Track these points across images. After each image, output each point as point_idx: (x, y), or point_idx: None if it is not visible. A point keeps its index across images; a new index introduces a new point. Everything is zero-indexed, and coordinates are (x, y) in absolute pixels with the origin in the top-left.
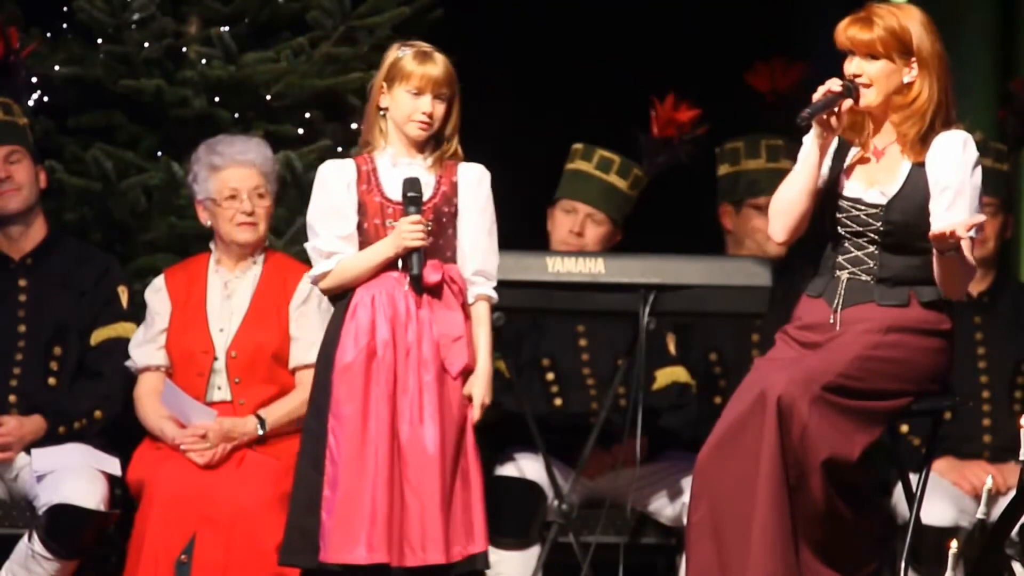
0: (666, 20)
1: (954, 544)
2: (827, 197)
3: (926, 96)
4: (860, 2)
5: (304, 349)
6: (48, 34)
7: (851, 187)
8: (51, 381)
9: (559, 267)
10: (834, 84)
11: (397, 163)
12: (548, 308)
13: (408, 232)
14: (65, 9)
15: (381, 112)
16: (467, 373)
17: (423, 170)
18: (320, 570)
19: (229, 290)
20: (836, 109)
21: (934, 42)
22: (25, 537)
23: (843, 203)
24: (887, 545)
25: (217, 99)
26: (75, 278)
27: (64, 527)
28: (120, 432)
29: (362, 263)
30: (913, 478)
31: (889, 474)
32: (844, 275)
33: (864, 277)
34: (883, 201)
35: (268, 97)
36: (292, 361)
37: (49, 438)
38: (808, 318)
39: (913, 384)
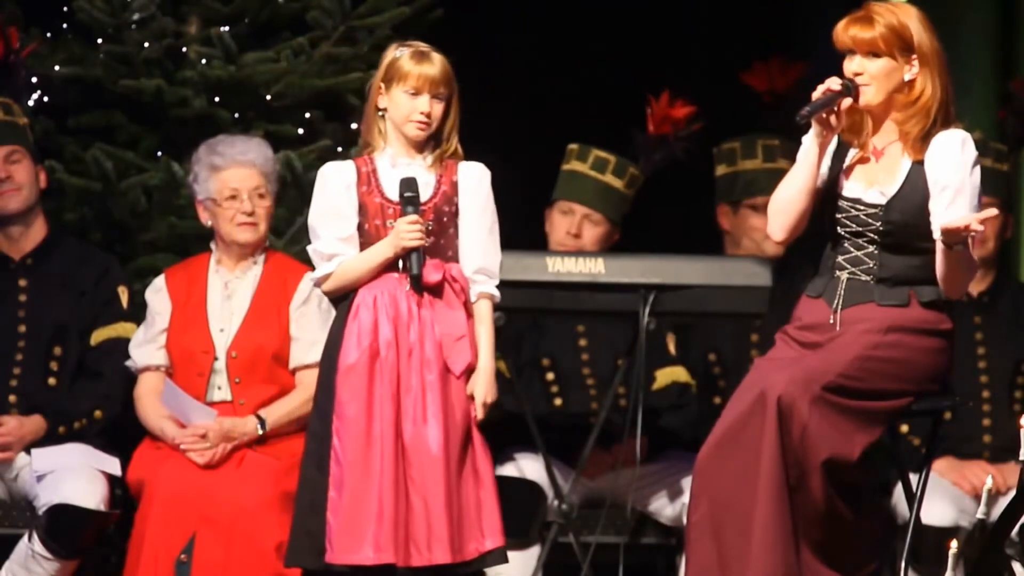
0: (665, 20)
1: (954, 544)
2: (827, 197)
3: (929, 93)
4: (859, 2)
5: (304, 349)
6: (48, 34)
7: (850, 187)
8: (51, 381)
9: (559, 267)
10: (834, 83)
11: (397, 163)
12: (548, 308)
13: (406, 232)
14: (65, 9)
15: (380, 113)
16: (470, 372)
17: (423, 170)
18: (326, 571)
19: (229, 290)
20: (835, 108)
21: (933, 39)
22: (25, 537)
23: (843, 203)
24: (887, 545)
25: (217, 99)
26: (75, 278)
27: (64, 527)
28: (120, 432)
29: (363, 264)
30: (913, 478)
31: (889, 474)
32: (844, 275)
33: (864, 277)
34: (883, 201)
35: (268, 97)
36: (292, 361)
37: (49, 438)
38: (808, 318)
39: (913, 384)
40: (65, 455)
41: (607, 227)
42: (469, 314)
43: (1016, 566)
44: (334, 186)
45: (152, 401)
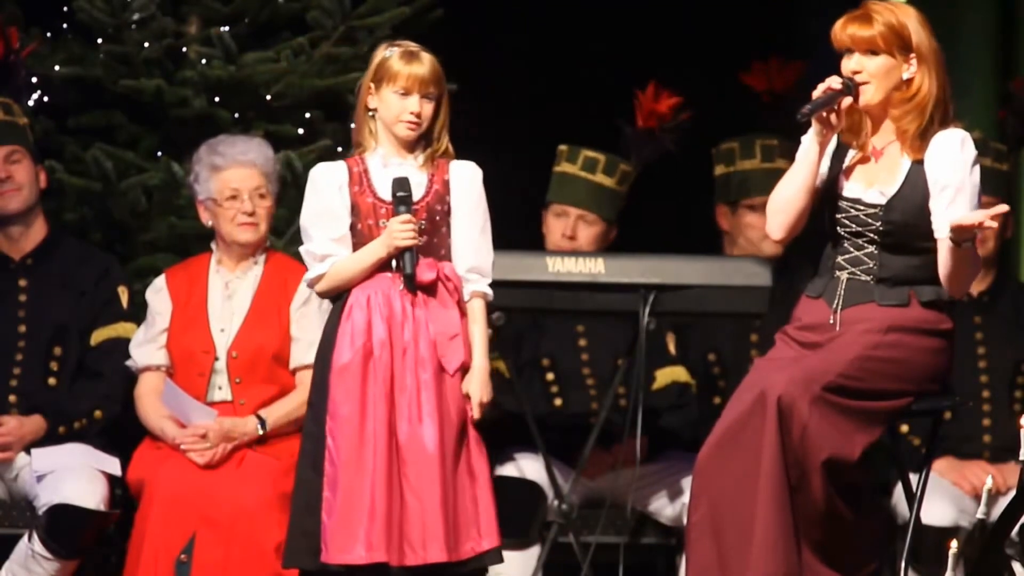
0: (665, 20)
1: (954, 544)
2: (826, 197)
3: (926, 90)
4: (857, 1)
5: (305, 349)
6: (48, 34)
7: (850, 187)
8: (51, 381)
9: (559, 267)
10: (834, 81)
11: (388, 163)
12: (548, 308)
13: (399, 232)
14: (65, 9)
15: (370, 113)
16: (464, 371)
17: (415, 169)
18: (322, 571)
19: (230, 290)
20: (836, 106)
21: (930, 38)
22: (25, 537)
23: (842, 203)
24: (887, 545)
25: (217, 99)
26: (75, 278)
27: (64, 527)
28: (120, 432)
29: (356, 264)
30: (913, 478)
31: (889, 474)
32: (844, 275)
33: (864, 277)
34: (882, 201)
35: (268, 97)
36: (293, 361)
37: (49, 438)
38: (808, 318)
39: (913, 384)
40: (65, 455)
41: (602, 226)
42: (462, 313)
43: (1016, 566)
44: (326, 187)
45: (152, 401)
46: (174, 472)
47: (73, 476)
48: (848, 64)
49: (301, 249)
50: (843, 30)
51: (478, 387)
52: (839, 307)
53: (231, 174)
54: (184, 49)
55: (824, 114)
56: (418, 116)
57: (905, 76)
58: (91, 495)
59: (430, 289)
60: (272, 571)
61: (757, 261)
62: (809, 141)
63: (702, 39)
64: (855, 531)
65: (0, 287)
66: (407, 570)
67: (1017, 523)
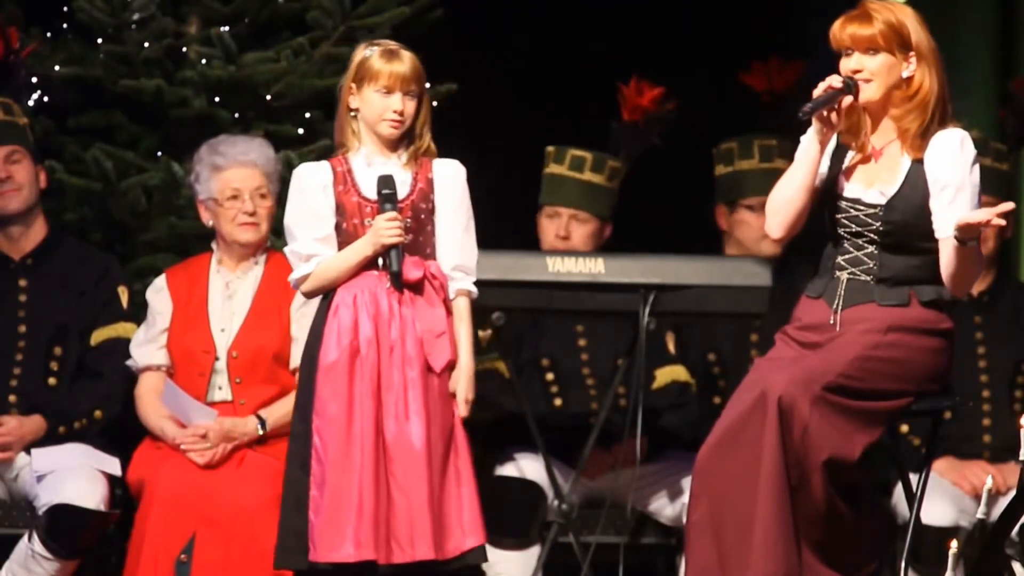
0: (666, 20)
1: (954, 544)
2: (826, 198)
3: (927, 87)
4: (855, 1)
5: None
6: (48, 34)
7: (850, 187)
8: (51, 381)
9: (559, 267)
10: (834, 80)
11: (372, 163)
12: (548, 308)
13: (385, 229)
14: (65, 9)
15: (352, 113)
16: (450, 368)
17: (398, 168)
18: (312, 570)
19: (231, 290)
20: (836, 105)
21: (928, 36)
22: (25, 537)
23: (842, 203)
24: (887, 545)
25: (217, 99)
26: (75, 278)
27: (64, 527)
28: (120, 432)
29: (341, 263)
30: (913, 478)
31: (889, 474)
32: (844, 275)
33: (864, 277)
34: (882, 201)
35: (268, 97)
36: (293, 361)
37: (49, 438)
38: (808, 318)
39: (913, 384)
40: (65, 455)
41: (596, 224)
42: (448, 311)
43: (1016, 566)
44: (310, 187)
45: (152, 401)
46: (174, 472)
47: (73, 476)
48: (848, 63)
49: (286, 250)
50: (842, 29)
51: (464, 385)
52: (839, 307)
53: (232, 174)
54: (184, 49)
55: (824, 113)
56: (401, 114)
57: (905, 74)
58: (91, 495)
59: (417, 287)
60: (272, 571)
61: (757, 261)
62: (809, 140)
63: (702, 39)
64: (855, 531)
65: (0, 287)
66: (395, 568)
67: (1017, 523)
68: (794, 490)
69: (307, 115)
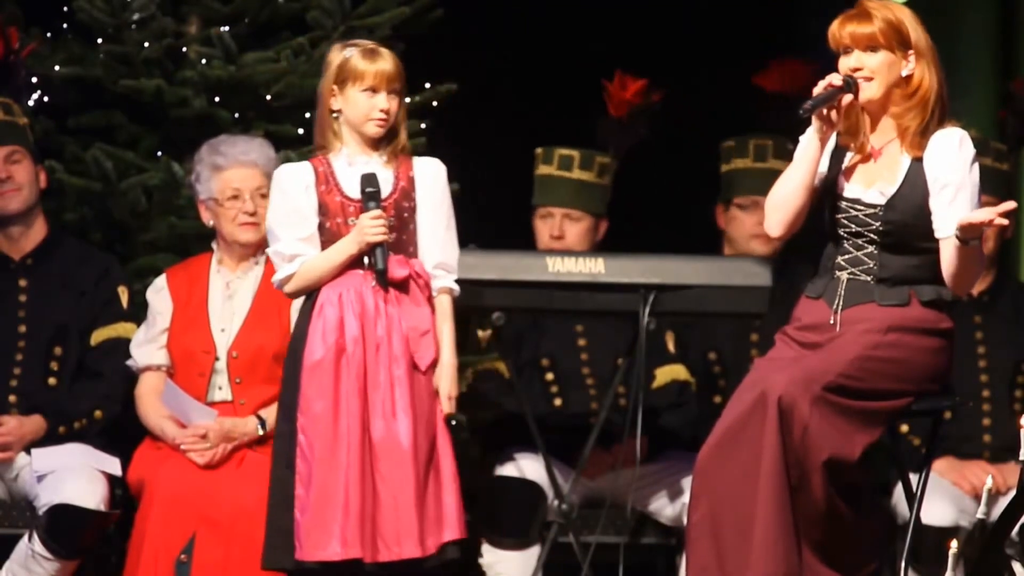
0: (666, 20)
1: (954, 544)
2: (826, 198)
3: (928, 85)
4: (853, 2)
5: None
6: (48, 34)
7: (850, 187)
8: (51, 381)
9: (559, 267)
10: (834, 78)
11: (353, 162)
12: (548, 308)
13: (370, 227)
14: (65, 9)
15: (334, 114)
16: (435, 366)
17: (380, 166)
18: (299, 569)
19: (231, 290)
20: (836, 103)
21: (926, 35)
22: (25, 537)
23: (842, 203)
24: (887, 545)
25: (217, 99)
26: (75, 278)
27: (64, 527)
28: (120, 432)
29: (326, 263)
30: (913, 478)
31: (889, 474)
32: (844, 276)
33: (864, 277)
34: (882, 201)
35: (268, 97)
36: None
37: (49, 438)
38: (808, 319)
39: (913, 384)
40: (65, 455)
41: (590, 221)
42: (432, 309)
43: (1016, 566)
44: (293, 187)
45: (152, 401)
46: (174, 472)
47: (73, 476)
48: (847, 62)
49: (269, 250)
50: (841, 28)
51: (448, 382)
52: (839, 307)
53: (232, 174)
54: (184, 49)
55: (824, 111)
56: (387, 112)
57: (904, 73)
58: (91, 495)
59: (402, 286)
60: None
61: (757, 261)
62: (809, 138)
63: (703, 39)
64: (855, 531)
65: (0, 287)
66: (381, 566)
67: (1017, 523)
68: (794, 490)
69: (307, 115)
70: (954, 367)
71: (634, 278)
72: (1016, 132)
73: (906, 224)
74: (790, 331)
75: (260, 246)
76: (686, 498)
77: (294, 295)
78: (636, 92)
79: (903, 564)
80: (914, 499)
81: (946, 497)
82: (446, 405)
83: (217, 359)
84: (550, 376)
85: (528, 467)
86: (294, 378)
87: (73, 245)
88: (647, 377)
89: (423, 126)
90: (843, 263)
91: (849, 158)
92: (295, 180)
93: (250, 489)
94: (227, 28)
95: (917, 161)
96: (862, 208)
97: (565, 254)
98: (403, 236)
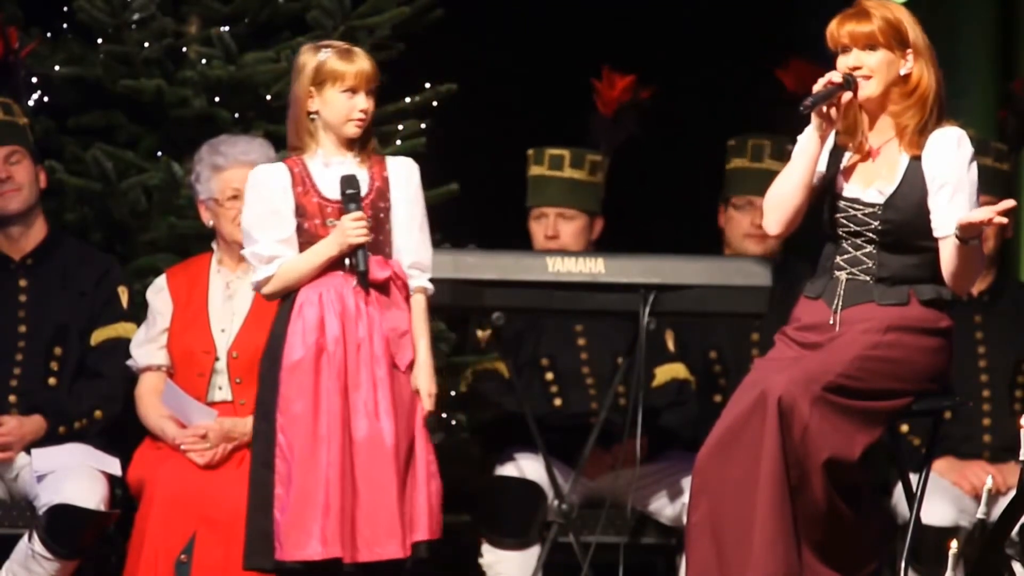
0: (666, 20)
1: (954, 544)
2: (824, 198)
3: (926, 83)
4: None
5: None
6: (48, 34)
7: (848, 187)
8: (51, 381)
9: (559, 267)
10: (834, 75)
11: (329, 163)
12: (548, 308)
13: (351, 229)
14: (65, 9)
15: (311, 116)
16: (412, 366)
17: (355, 167)
18: (279, 569)
19: (231, 290)
20: (836, 101)
21: (924, 34)
22: (25, 537)
23: (841, 203)
24: (887, 545)
25: (217, 99)
26: (75, 278)
27: (64, 527)
28: (120, 432)
29: (306, 264)
30: (913, 478)
31: (889, 474)
32: (843, 276)
33: (863, 277)
34: (881, 200)
35: (268, 97)
36: None
37: (49, 438)
38: (807, 319)
39: (913, 384)
40: (65, 455)
41: (584, 219)
42: (409, 309)
43: (1016, 566)
44: (271, 188)
45: (152, 401)
46: (174, 472)
47: (73, 476)
48: (846, 61)
49: (245, 252)
50: (840, 27)
51: (426, 380)
52: (839, 307)
53: (233, 174)
54: (184, 49)
55: (824, 108)
56: (365, 113)
57: (902, 72)
58: (91, 495)
59: (382, 287)
60: None
61: (757, 261)
62: (808, 136)
63: (703, 39)
64: (855, 531)
65: (0, 287)
66: (361, 567)
67: (1017, 523)
68: (794, 490)
69: None
70: (954, 367)
71: (634, 278)
72: (1016, 132)
73: (905, 223)
74: (789, 331)
75: None
76: (686, 498)
77: (272, 297)
78: (624, 88)
79: (903, 564)
80: (914, 499)
81: (946, 497)
82: (427, 403)
83: (217, 359)
84: (550, 376)
85: (528, 467)
86: (272, 378)
87: (73, 245)
88: (647, 376)
89: (423, 126)
90: (842, 263)
91: (847, 158)
92: (272, 182)
93: None
94: (227, 28)
95: (915, 160)
96: (861, 207)
97: (565, 254)
98: (380, 236)
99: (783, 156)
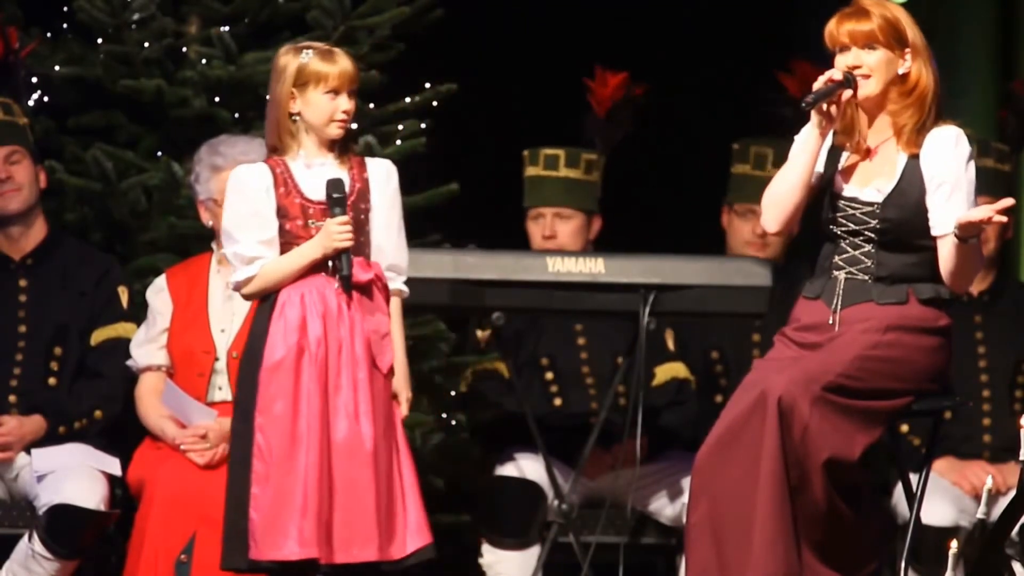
0: (666, 20)
1: (954, 544)
2: (822, 197)
3: (925, 83)
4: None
5: None
6: (48, 34)
7: (846, 186)
8: (51, 381)
9: (559, 267)
10: (835, 73)
11: (311, 164)
12: (548, 308)
13: (338, 233)
14: (65, 9)
15: (292, 117)
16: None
17: (336, 168)
18: (255, 569)
19: (231, 290)
20: (836, 98)
21: (921, 34)
22: (25, 537)
23: (839, 203)
24: (887, 545)
25: (217, 99)
26: (75, 278)
27: (64, 527)
28: (120, 432)
29: (289, 266)
30: (913, 478)
31: (889, 474)
32: (841, 275)
33: (862, 276)
34: (879, 199)
35: (268, 97)
36: None
37: (49, 438)
38: (807, 319)
39: (913, 383)
40: (65, 455)
41: (581, 218)
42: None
43: (1016, 566)
44: (253, 189)
45: (152, 401)
46: (174, 472)
47: (73, 476)
48: (845, 60)
49: (226, 252)
50: (839, 26)
51: (403, 384)
52: (838, 307)
53: None
54: (184, 49)
55: (824, 106)
56: (348, 114)
57: (901, 71)
58: (91, 495)
59: (364, 289)
60: None
61: (757, 261)
62: (807, 134)
63: (703, 39)
64: (855, 531)
65: (0, 287)
66: (336, 568)
67: (1017, 523)
68: (794, 490)
69: None
70: (954, 367)
71: (634, 278)
72: (1016, 132)
73: (903, 222)
74: (789, 332)
75: None
76: (686, 498)
77: (251, 297)
78: (617, 86)
79: (903, 564)
80: (914, 499)
81: (946, 497)
82: (405, 408)
83: (217, 359)
84: (550, 376)
85: (528, 467)
86: (251, 378)
87: (73, 245)
88: (647, 376)
89: (423, 126)
90: (840, 263)
91: (845, 157)
92: (255, 182)
93: None
94: (227, 28)
95: (913, 158)
96: (859, 207)
97: (565, 254)
98: (360, 238)
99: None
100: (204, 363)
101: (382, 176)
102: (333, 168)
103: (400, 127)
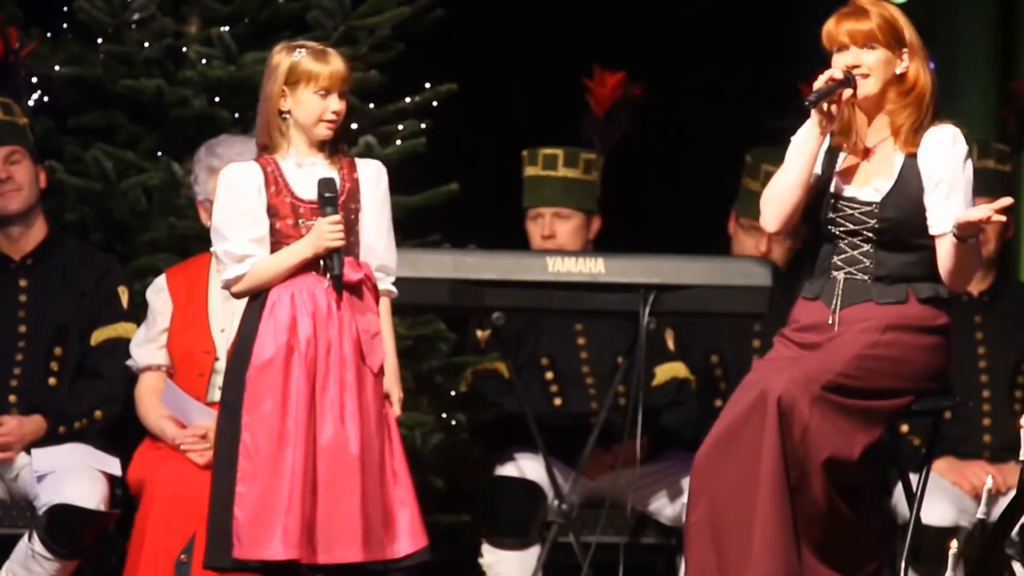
0: (666, 21)
1: (954, 544)
2: (821, 198)
3: (923, 82)
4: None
5: None
6: (48, 34)
7: (845, 187)
8: (51, 381)
9: (559, 267)
10: (835, 71)
11: (302, 163)
12: (548, 308)
13: (329, 233)
14: (65, 9)
15: (283, 116)
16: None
17: (326, 168)
18: (239, 568)
19: None
20: (836, 97)
21: (918, 34)
22: (25, 537)
23: (837, 203)
24: (887, 545)
25: (217, 99)
26: (75, 278)
27: (64, 527)
28: (120, 432)
29: (279, 265)
30: (913, 478)
31: (889, 474)
32: (840, 275)
33: (861, 276)
34: (877, 198)
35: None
36: None
37: (49, 438)
38: (806, 319)
39: (912, 382)
40: (65, 455)
41: (580, 218)
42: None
43: (1016, 566)
44: (244, 187)
45: (152, 401)
46: (174, 472)
47: (73, 476)
48: (843, 59)
49: (217, 250)
50: (838, 25)
51: (394, 383)
52: (837, 307)
53: None
54: (184, 49)
55: (824, 105)
56: (337, 114)
57: (899, 71)
58: (91, 495)
59: (354, 289)
60: None
61: (757, 261)
62: (806, 133)
63: (703, 39)
64: (855, 531)
65: (0, 287)
66: (320, 568)
67: (1017, 523)
68: (794, 490)
69: None
70: (954, 367)
71: (634, 278)
72: (1017, 132)
73: (902, 221)
74: (788, 332)
75: None
76: (686, 498)
77: (241, 295)
78: (615, 85)
79: (903, 564)
80: (914, 499)
81: (946, 497)
82: (398, 408)
83: (217, 359)
84: (550, 376)
85: (528, 467)
86: (239, 377)
87: (73, 245)
88: (647, 376)
89: (423, 126)
90: (839, 263)
91: (843, 157)
92: (245, 180)
93: None
94: (227, 28)
95: (911, 158)
96: (857, 206)
97: (565, 254)
98: (350, 238)
99: None
100: (204, 363)
101: (372, 176)
102: (323, 168)
103: (400, 127)
